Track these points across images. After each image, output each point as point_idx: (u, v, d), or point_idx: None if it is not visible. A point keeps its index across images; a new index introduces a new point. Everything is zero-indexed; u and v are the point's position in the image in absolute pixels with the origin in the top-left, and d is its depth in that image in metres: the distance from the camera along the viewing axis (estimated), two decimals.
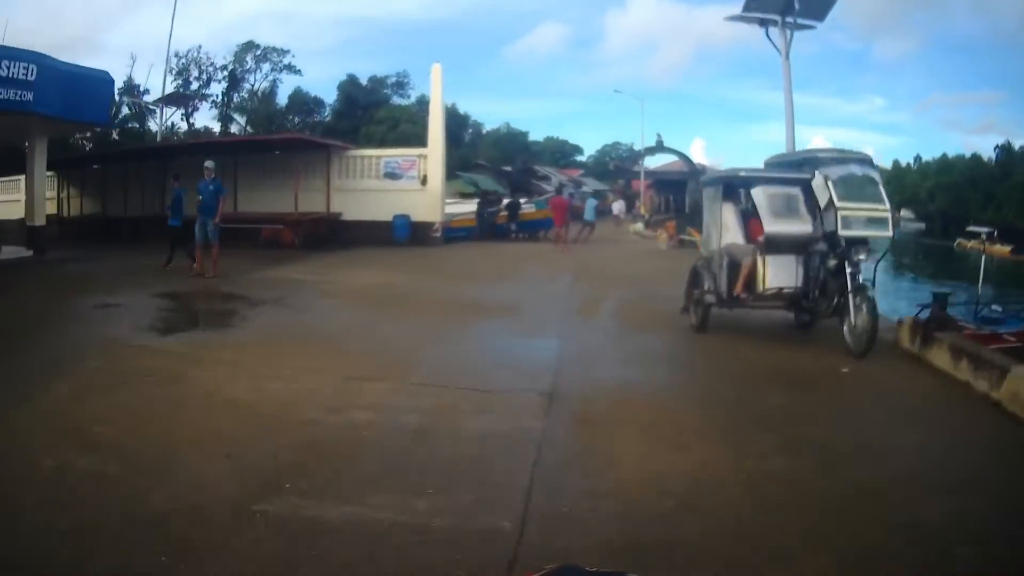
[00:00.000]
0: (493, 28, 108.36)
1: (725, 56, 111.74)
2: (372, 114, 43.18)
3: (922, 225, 57.64)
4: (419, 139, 40.69)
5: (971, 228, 38.30)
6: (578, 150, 73.30)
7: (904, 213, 72.16)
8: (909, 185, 62.57)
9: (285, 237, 16.57)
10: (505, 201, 21.49)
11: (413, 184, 17.96)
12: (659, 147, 51.94)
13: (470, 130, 67.65)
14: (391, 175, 18.29)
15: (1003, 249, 32.14)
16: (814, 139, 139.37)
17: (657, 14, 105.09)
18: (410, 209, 17.70)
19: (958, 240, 39.54)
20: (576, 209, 22.25)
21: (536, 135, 71.53)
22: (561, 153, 68.08)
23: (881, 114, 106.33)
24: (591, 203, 22.60)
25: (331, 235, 17.75)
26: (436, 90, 19.30)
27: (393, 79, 47.87)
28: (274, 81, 44.16)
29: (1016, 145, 52.35)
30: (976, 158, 55.55)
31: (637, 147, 55.70)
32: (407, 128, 40.43)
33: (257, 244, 16.28)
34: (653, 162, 48.80)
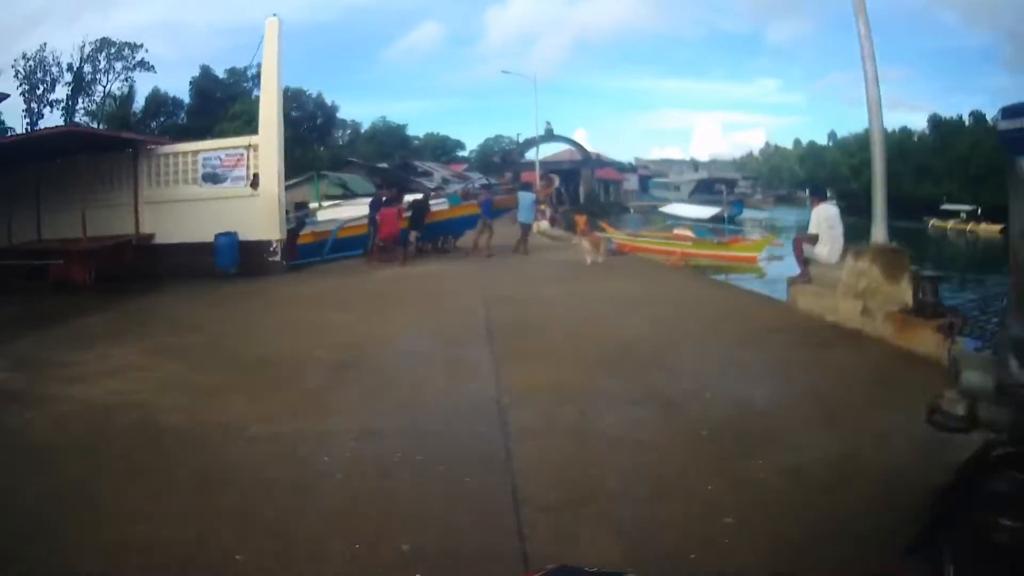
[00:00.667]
0: (372, 31, 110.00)
1: (604, 46, 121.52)
2: (228, 109, 38.87)
3: (840, 205, 57.18)
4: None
5: (947, 206, 36.99)
6: (460, 145, 73.98)
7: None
8: (828, 163, 62.26)
9: (74, 275, 12.68)
10: (409, 199, 16.98)
11: (240, 187, 14.09)
12: (550, 135, 50.73)
13: (348, 131, 65.31)
14: (211, 177, 14.40)
15: (991, 228, 30.54)
16: (701, 122, 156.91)
17: (536, 8, 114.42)
18: (239, 223, 13.81)
19: (932, 221, 38.49)
20: (501, 205, 17.44)
21: (417, 132, 70.81)
22: (443, 149, 67.10)
23: (776, 95, 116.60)
24: (527, 199, 17.03)
25: (141, 266, 13.90)
26: (271, 53, 14.62)
27: (255, 70, 43.34)
28: (130, 81, 39.22)
29: (944, 117, 52.82)
30: (906, 132, 55.29)
31: (523, 139, 55.17)
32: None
33: (46, 286, 12.48)
34: (540, 153, 47.36)
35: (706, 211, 28.95)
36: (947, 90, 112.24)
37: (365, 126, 65.39)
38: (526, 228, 16.87)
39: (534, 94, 44.71)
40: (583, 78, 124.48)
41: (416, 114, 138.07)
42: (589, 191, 56.08)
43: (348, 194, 27.93)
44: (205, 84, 41.35)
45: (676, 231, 24.67)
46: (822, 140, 75.20)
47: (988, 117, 45.03)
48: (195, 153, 14.78)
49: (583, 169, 56.37)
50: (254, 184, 13.95)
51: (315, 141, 47.63)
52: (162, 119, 41.46)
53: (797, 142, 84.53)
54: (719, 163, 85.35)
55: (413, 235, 16.07)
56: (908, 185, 45.77)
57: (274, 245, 14.10)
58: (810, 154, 73.32)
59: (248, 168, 14.11)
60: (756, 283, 15.90)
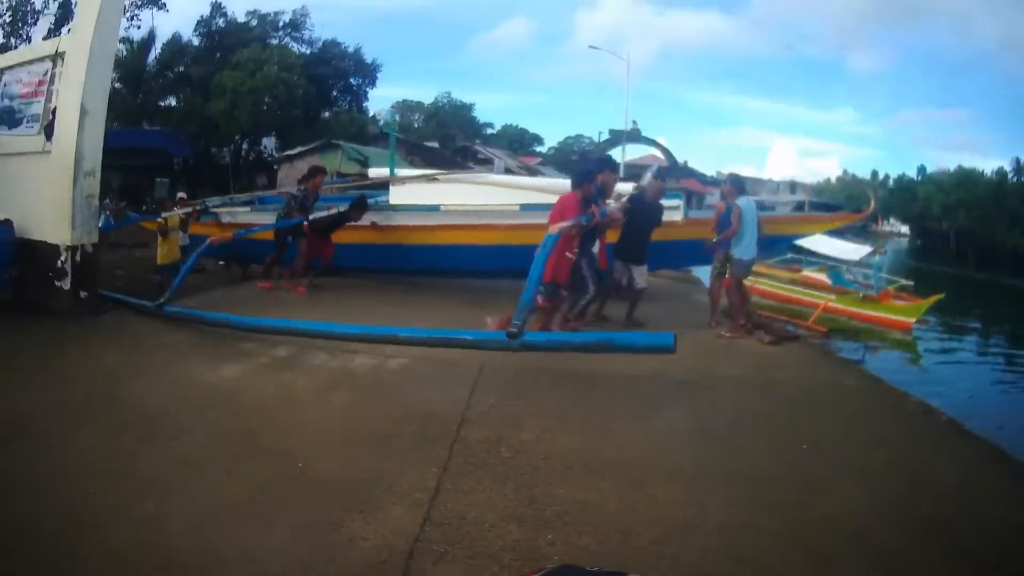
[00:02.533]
0: (462, 20, 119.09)
1: (688, 58, 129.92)
2: (231, 57, 34.02)
3: (911, 242, 55.48)
4: (287, 99, 32.42)
5: None
6: (538, 140, 73.76)
7: (893, 225, 70.89)
8: (920, 199, 59.77)
9: None
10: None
11: (32, 137, 8.61)
12: (636, 135, 46.11)
13: (417, 114, 63.89)
14: (8, 118, 9.08)
15: None
16: (777, 144, 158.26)
17: (625, 13, 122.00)
18: (21, 204, 8.48)
19: None
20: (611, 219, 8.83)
21: (494, 122, 71.32)
22: (520, 142, 65.99)
23: (851, 125, 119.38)
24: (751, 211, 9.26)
25: None
26: None
27: (287, 17, 38.85)
28: (137, 22, 34.92)
29: None
30: (1002, 173, 52.96)
31: (604, 137, 52.10)
32: (272, 74, 31.73)
33: None
34: (619, 155, 43.17)
35: (855, 249, 21.61)
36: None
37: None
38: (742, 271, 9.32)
39: (626, 78, 39.58)
40: (665, 87, 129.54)
41: (497, 107, 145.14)
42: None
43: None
44: (217, 26, 36.86)
45: (806, 272, 19.63)
46: (895, 174, 76.53)
47: None
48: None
49: (668, 178, 50.74)
50: (48, 132, 8.40)
51: (345, 105, 42.49)
52: (181, 69, 37.05)
53: (875, 173, 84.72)
54: (798, 188, 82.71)
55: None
56: (1000, 232, 43.88)
57: (63, 256, 8.12)
58: (900, 187, 70.99)
59: (48, 100, 8.61)
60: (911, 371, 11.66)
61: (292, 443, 4.80)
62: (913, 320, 15.34)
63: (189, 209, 12.54)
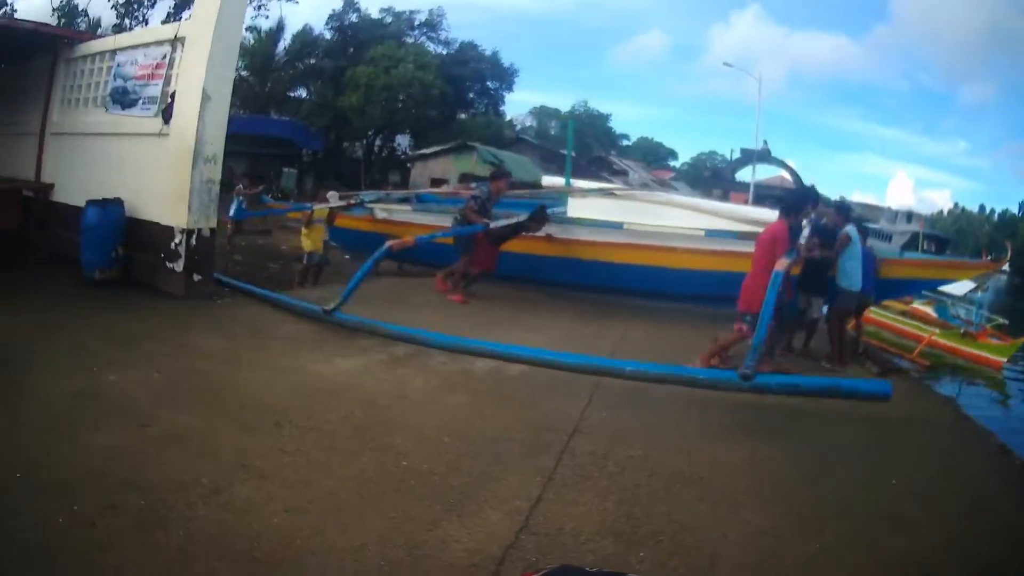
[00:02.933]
0: (600, 28, 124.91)
1: (815, 82, 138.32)
2: (364, 53, 35.42)
3: (1009, 279, 53.69)
4: (422, 98, 33.63)
5: None
6: (673, 154, 76.85)
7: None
8: (1020, 235, 61.55)
9: None
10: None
11: (147, 118, 9.27)
12: (766, 156, 46.11)
13: (554, 121, 67.80)
14: (121, 98, 9.80)
15: None
16: (898, 172, 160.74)
17: (758, 33, 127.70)
18: (134, 184, 9.18)
19: None
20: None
21: (627, 132, 75.17)
22: (654, 155, 66.79)
23: (963, 157, 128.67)
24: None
25: (34, 237, 10.44)
26: None
27: (423, 16, 40.07)
28: (264, 12, 37.17)
29: None
30: None
31: (735, 156, 53.02)
32: (407, 73, 32.86)
33: None
34: (747, 174, 45.73)
35: (960, 284, 20.97)
36: None
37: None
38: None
39: (757, 97, 39.22)
40: (793, 108, 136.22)
41: (631, 118, 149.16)
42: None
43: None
44: (349, 21, 38.52)
45: (915, 304, 20.53)
46: (1002, 208, 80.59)
47: None
48: (112, 54, 10.19)
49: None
50: (166, 115, 9.02)
51: (481, 108, 43.53)
52: (312, 62, 39.12)
53: (982, 207, 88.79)
54: (914, 218, 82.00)
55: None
56: None
57: (177, 239, 8.69)
58: (1004, 223, 74.22)
59: (164, 85, 9.26)
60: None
61: (398, 440, 4.93)
62: (1005, 359, 16.50)
63: (344, 203, 12.74)
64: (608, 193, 12.77)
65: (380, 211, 12.93)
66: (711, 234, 9.69)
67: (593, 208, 11.54)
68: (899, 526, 4.48)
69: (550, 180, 15.87)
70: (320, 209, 12.45)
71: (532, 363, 6.63)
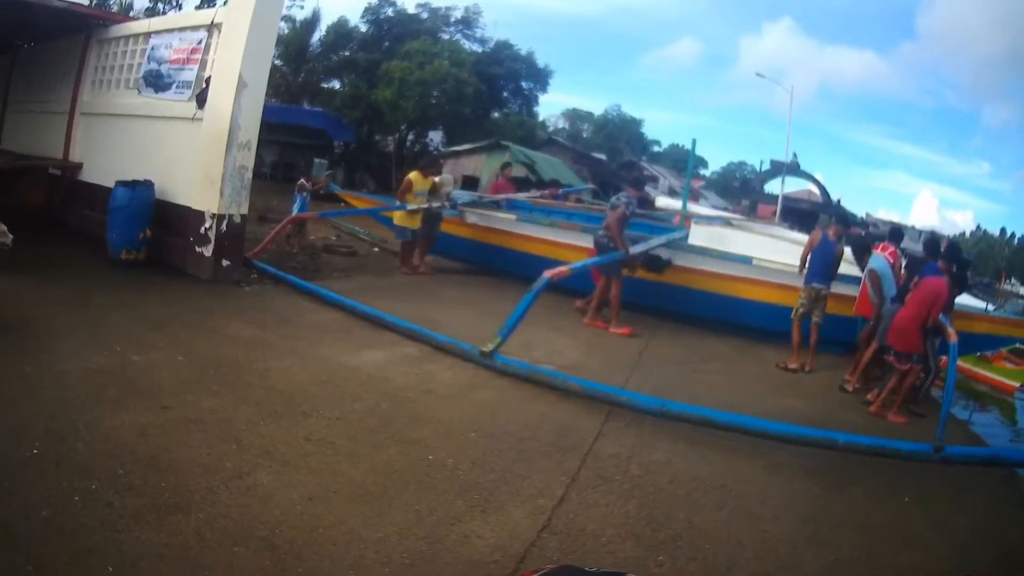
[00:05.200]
0: (632, 34, 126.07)
1: (844, 97, 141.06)
2: (399, 47, 35.39)
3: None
4: (456, 95, 33.50)
5: None
6: (703, 163, 74.81)
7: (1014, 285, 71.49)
8: None
9: None
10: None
11: (182, 102, 9.29)
12: (795, 169, 45.81)
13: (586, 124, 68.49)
14: (154, 78, 9.85)
15: None
16: (922, 191, 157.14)
17: (789, 45, 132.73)
18: (166, 166, 9.25)
19: None
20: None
21: (657, 138, 74.93)
22: (684, 163, 65.94)
23: (986, 179, 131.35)
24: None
25: (57, 213, 10.71)
26: None
27: (459, 13, 40.00)
28: (300, 3, 37.40)
29: None
30: None
31: (764, 167, 52.56)
32: (442, 69, 32.82)
33: None
34: (775, 186, 45.72)
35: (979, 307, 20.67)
36: None
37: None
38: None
39: (788, 109, 39.33)
40: (822, 122, 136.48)
41: (662, 125, 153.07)
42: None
43: (542, 179, 23.70)
44: (385, 15, 38.57)
45: None
46: (1022, 231, 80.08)
47: None
48: (146, 36, 10.24)
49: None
50: (200, 100, 9.04)
51: (515, 107, 43.38)
52: (346, 54, 39.28)
53: (1003, 231, 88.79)
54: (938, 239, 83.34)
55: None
56: None
57: (208, 224, 8.72)
58: (1022, 246, 75.79)
59: (199, 70, 9.31)
60: None
61: (424, 434, 4.90)
62: (1018, 384, 16.23)
63: (437, 205, 11.72)
64: (727, 222, 12.34)
65: (471, 215, 12.40)
66: (842, 279, 9.32)
67: (711, 238, 11.01)
68: (912, 542, 4.55)
69: (665, 202, 15.30)
70: (419, 181, 11.56)
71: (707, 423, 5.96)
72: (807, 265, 9.04)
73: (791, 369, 8.87)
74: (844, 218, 8.32)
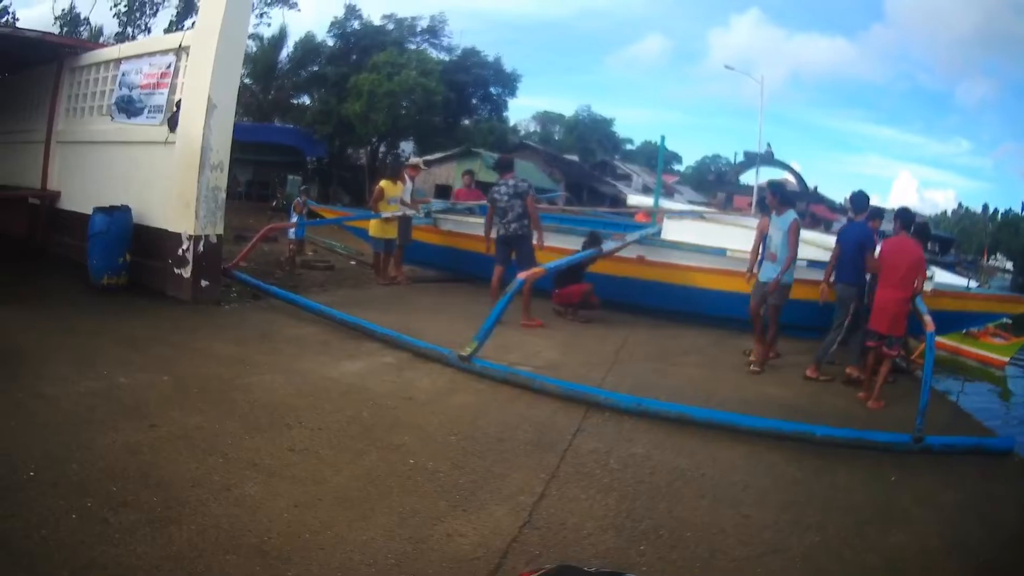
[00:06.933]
0: (599, 34, 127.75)
1: (815, 84, 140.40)
2: (367, 59, 35.30)
3: (1014, 279, 54.08)
4: (425, 104, 33.69)
5: None
6: (677, 158, 76.82)
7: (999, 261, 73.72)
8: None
9: None
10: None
11: (153, 126, 9.44)
12: (769, 158, 46.54)
13: (557, 126, 70.03)
14: (126, 104, 9.97)
15: None
16: (900, 173, 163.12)
17: (757, 35, 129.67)
18: (142, 191, 9.37)
19: None
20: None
21: (631, 137, 77.25)
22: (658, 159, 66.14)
23: (966, 157, 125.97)
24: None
25: (39, 242, 10.82)
26: None
27: (425, 23, 40.02)
28: (267, 20, 37.27)
29: None
30: None
31: (738, 159, 54.11)
32: (410, 79, 32.87)
33: None
34: (750, 178, 46.54)
35: (962, 284, 20.54)
36: None
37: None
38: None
39: (759, 100, 39.53)
40: (795, 110, 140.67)
41: (634, 123, 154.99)
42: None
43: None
44: (351, 28, 38.50)
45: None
46: (1006, 207, 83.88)
47: None
48: (117, 63, 10.36)
49: (798, 202, 50.05)
50: (172, 123, 9.16)
51: (485, 113, 43.47)
52: (315, 69, 39.19)
53: (985, 207, 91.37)
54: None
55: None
56: None
57: (185, 245, 8.84)
58: (1006, 222, 76.68)
59: (168, 94, 9.46)
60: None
61: (405, 439, 5.03)
62: (1008, 358, 16.72)
63: (406, 213, 12.02)
64: (699, 215, 12.57)
65: (446, 222, 12.67)
66: (812, 266, 9.40)
67: (685, 231, 11.46)
68: (900, 521, 4.57)
69: (636, 199, 15.40)
70: (390, 187, 11.86)
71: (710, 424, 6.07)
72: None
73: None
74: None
